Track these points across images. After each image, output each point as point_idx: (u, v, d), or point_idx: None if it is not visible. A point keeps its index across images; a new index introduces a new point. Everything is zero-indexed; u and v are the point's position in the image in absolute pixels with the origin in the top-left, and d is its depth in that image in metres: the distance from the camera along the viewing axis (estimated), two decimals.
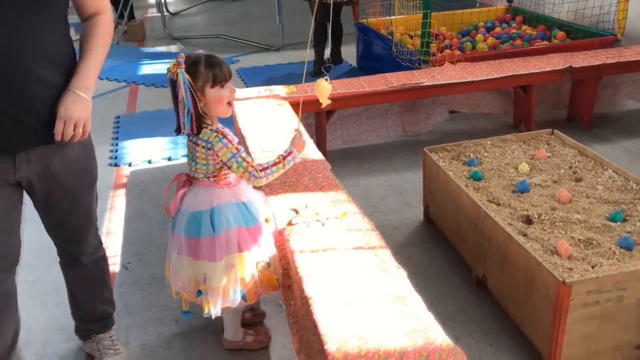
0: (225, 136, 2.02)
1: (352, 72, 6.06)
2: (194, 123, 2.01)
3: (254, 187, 2.22)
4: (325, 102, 2.21)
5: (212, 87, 1.99)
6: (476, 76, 4.01)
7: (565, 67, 4.11)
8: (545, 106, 4.56)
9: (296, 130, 2.19)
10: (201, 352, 2.45)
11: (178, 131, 2.08)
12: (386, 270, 2.02)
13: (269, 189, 2.52)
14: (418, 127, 4.35)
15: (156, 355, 2.46)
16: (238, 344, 2.42)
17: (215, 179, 2.10)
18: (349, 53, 6.27)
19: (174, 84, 1.98)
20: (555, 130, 3.30)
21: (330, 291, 1.91)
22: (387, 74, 4.14)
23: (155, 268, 3.02)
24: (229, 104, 2.09)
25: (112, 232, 3.38)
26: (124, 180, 3.99)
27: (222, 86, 2.02)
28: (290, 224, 2.32)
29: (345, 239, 2.20)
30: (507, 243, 2.38)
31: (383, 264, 2.06)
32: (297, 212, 2.40)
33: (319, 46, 5.96)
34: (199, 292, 2.16)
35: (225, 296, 2.11)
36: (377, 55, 5.64)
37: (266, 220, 2.21)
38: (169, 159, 4.26)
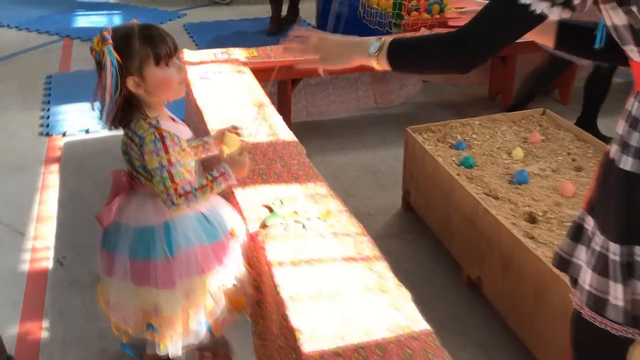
0: (162, 139, 1.54)
1: None
2: (117, 115, 1.54)
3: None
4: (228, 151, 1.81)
5: (155, 65, 1.53)
6: None
7: None
8: (522, 79, 4.27)
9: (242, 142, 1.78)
10: None
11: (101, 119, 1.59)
12: (386, 291, 1.68)
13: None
14: (390, 99, 3.98)
15: None
16: None
17: None
18: (308, 10, 5.79)
19: (98, 66, 1.51)
20: (547, 110, 3.01)
21: (320, 322, 1.55)
22: None
23: (96, 263, 2.57)
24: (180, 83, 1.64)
25: (45, 217, 2.90)
26: (58, 153, 3.48)
27: (167, 64, 1.55)
28: (264, 225, 1.94)
29: (333, 248, 1.84)
30: (512, 247, 2.08)
31: (381, 280, 1.72)
32: (271, 210, 2.02)
33: (276, 2, 5.46)
34: (149, 325, 1.71)
35: (185, 330, 1.70)
36: (340, 15, 5.21)
37: (231, 234, 1.78)
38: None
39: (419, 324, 1.58)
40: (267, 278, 1.78)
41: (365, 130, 3.79)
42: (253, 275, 1.89)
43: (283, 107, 3.54)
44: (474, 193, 2.31)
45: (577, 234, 1.32)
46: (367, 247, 1.86)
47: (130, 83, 1.51)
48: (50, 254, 2.66)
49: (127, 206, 1.68)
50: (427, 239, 2.75)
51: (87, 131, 3.70)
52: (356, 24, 4.45)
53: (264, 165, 2.27)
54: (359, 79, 3.87)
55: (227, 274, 1.76)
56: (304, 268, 1.76)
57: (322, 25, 5.65)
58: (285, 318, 1.58)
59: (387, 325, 1.55)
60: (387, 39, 1.36)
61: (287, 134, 2.49)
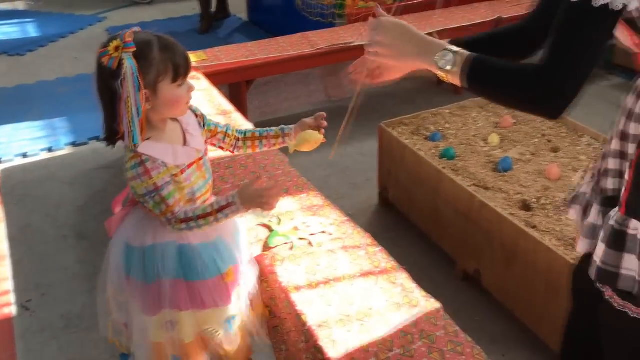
0: (142, 163, 1.37)
1: (245, 28, 5.43)
2: (143, 133, 1.36)
3: None
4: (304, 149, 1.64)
5: (171, 82, 1.37)
6: None
7: (495, 17, 3.84)
8: None
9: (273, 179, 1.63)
10: None
11: (111, 141, 1.43)
12: (415, 305, 1.59)
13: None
14: (342, 92, 3.89)
15: None
16: None
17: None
18: (237, 5, 5.59)
19: (109, 74, 1.31)
20: None
21: (359, 350, 1.45)
22: (308, 32, 3.61)
23: (67, 304, 2.36)
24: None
25: None
26: None
27: (181, 83, 1.39)
28: (267, 247, 1.81)
29: (347, 264, 1.74)
30: (516, 239, 2.05)
31: (407, 294, 1.64)
32: (270, 229, 1.89)
33: None
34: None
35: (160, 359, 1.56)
36: (274, 7, 5.06)
37: (226, 276, 1.55)
38: (50, 149, 3.45)
39: (459, 336, 1.52)
40: (285, 305, 1.65)
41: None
42: (265, 300, 1.75)
43: (240, 111, 3.37)
44: (466, 186, 2.26)
45: (620, 242, 1.15)
46: (382, 258, 1.77)
47: (141, 96, 1.32)
48: (12, 298, 2.39)
49: (129, 218, 1.56)
50: (411, 235, 2.69)
51: (24, 155, 3.38)
52: (295, 17, 4.32)
53: (247, 180, 2.12)
54: (310, 73, 3.76)
55: (215, 319, 1.56)
56: (322, 290, 1.64)
57: (253, 19, 5.49)
58: (319, 350, 1.46)
59: (426, 342, 1.47)
60: (464, 52, 1.14)
61: None
